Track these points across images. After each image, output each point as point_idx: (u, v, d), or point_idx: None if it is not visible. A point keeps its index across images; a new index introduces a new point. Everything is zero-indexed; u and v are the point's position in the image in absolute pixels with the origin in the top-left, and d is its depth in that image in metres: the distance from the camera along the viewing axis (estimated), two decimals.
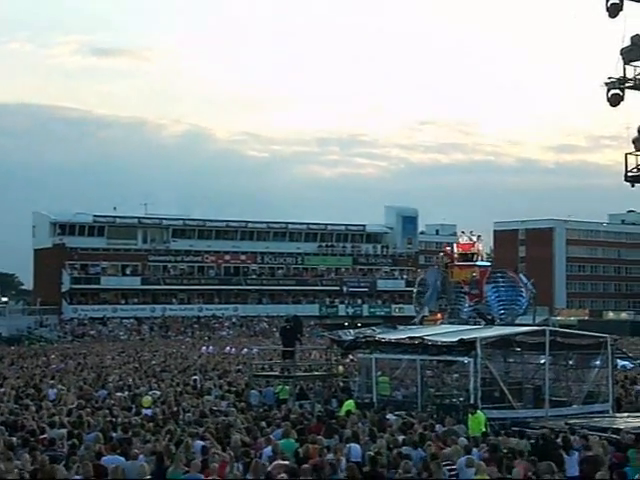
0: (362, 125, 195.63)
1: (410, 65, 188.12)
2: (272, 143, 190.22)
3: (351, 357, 27.16)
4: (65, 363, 39.24)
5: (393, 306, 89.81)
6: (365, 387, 23.14)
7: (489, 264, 50.71)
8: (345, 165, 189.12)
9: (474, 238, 48.91)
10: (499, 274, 46.96)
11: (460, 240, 49.30)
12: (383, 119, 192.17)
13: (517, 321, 44.05)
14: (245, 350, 48.92)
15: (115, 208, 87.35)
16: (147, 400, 20.65)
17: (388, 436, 15.35)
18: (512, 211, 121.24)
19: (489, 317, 43.11)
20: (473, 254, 47.49)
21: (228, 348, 53.13)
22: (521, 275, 49.14)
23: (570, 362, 22.60)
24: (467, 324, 37.52)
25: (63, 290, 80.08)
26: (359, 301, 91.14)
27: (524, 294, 45.52)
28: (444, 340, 21.21)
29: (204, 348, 54.11)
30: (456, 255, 47.53)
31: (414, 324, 38.01)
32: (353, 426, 16.53)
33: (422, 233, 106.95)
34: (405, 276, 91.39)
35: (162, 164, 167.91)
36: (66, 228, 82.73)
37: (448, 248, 50.60)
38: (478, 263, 47.18)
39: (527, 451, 14.38)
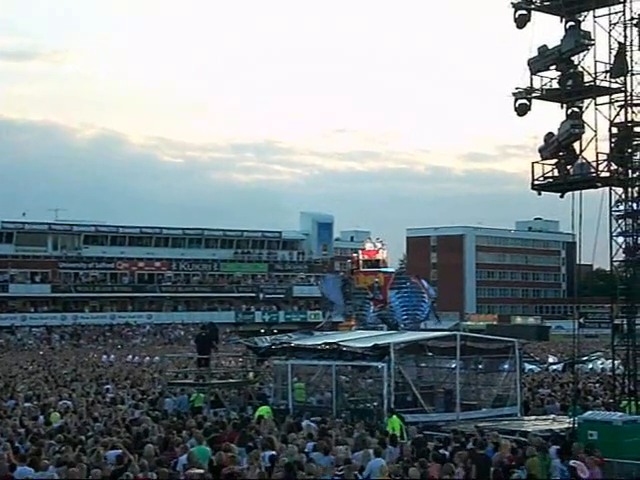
0: (278, 132, 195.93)
1: (326, 73, 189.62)
2: (187, 149, 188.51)
3: (267, 363, 27.16)
4: None
5: (309, 312, 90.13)
6: (281, 393, 23.17)
7: (392, 270, 51.60)
8: (261, 172, 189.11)
9: (379, 245, 49.80)
10: (402, 280, 47.82)
11: (365, 247, 50.13)
12: (299, 126, 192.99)
13: (424, 326, 44.87)
14: (148, 358, 48.48)
15: (24, 214, 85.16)
16: (55, 416, 19.98)
17: (301, 441, 15.41)
18: (424, 218, 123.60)
19: (392, 323, 43.81)
20: (377, 260, 48.29)
21: (130, 357, 52.36)
22: (423, 281, 50.13)
23: (480, 366, 23.10)
24: (374, 329, 38.09)
25: None
26: (275, 307, 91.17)
27: (426, 300, 46.41)
28: (358, 346, 21.43)
29: (104, 357, 52.97)
30: (361, 261, 48.29)
31: (321, 329, 38.34)
32: (269, 432, 16.54)
33: (337, 239, 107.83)
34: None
35: (74, 169, 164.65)
36: None
37: (354, 255, 51.41)
38: (382, 269, 47.99)
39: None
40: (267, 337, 27.67)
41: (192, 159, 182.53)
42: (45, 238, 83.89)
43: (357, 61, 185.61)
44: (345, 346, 21.65)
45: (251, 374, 25.97)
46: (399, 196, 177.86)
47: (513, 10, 21.48)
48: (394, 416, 18.28)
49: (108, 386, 29.02)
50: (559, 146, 21.08)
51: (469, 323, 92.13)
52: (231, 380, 25.35)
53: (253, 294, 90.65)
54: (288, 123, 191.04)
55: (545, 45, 21.40)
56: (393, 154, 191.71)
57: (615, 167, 20.47)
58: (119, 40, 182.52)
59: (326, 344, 22.32)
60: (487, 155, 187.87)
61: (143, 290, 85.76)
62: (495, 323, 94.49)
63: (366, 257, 48.83)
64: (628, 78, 20.27)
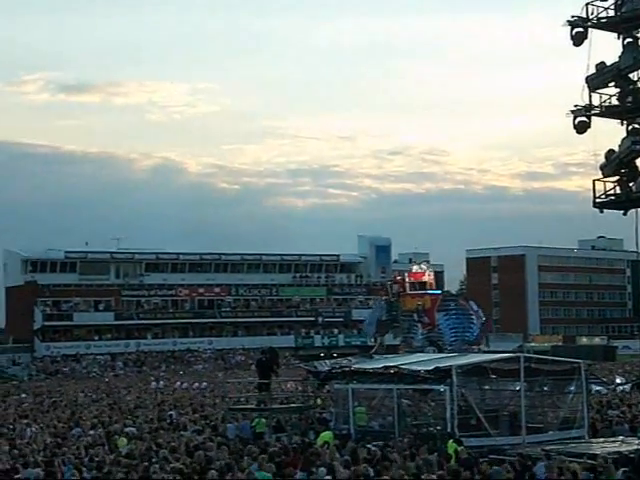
0: (333, 156, 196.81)
1: (380, 96, 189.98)
2: (243, 175, 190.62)
3: (327, 388, 27.09)
4: (39, 402, 38.69)
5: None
6: (342, 418, 23.05)
7: (440, 292, 51.24)
8: (317, 196, 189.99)
9: (424, 267, 49.55)
10: (450, 302, 47.42)
11: (413, 269, 49.92)
12: (353, 149, 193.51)
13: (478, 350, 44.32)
14: (197, 384, 49.31)
15: (87, 243, 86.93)
16: (122, 441, 20.31)
17: (362, 467, 15.30)
18: (483, 239, 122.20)
19: (441, 345, 43.46)
20: (424, 282, 47.99)
21: (178, 383, 53.11)
22: (471, 302, 49.61)
23: (545, 388, 22.67)
24: (422, 352, 37.77)
25: (35, 327, 79.20)
26: (335, 331, 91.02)
27: (475, 321, 45.89)
28: (420, 368, 21.23)
29: (154, 384, 53.55)
30: (407, 284, 48.06)
31: (375, 353, 38.16)
32: (331, 458, 16.47)
33: (395, 262, 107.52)
34: None
35: (134, 198, 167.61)
36: (37, 265, 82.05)
37: (399, 277, 51.16)
38: (429, 292, 47.65)
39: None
40: (327, 361, 27.57)
41: (248, 185, 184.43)
42: (108, 267, 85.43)
43: (409, 82, 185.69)
44: (406, 369, 21.48)
45: (319, 399, 25.92)
46: (457, 217, 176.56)
47: (570, 28, 21.30)
48: (450, 441, 18.10)
49: (171, 412, 29.27)
50: (620, 163, 20.77)
51: (533, 344, 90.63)
52: (292, 405, 25.34)
53: (312, 318, 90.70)
54: (343, 146, 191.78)
55: (603, 62, 21.16)
56: (449, 174, 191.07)
57: None
58: (173, 70, 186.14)
59: (386, 367, 22.15)
60: (546, 174, 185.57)
61: (203, 316, 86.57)
62: (560, 344, 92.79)
63: (412, 279, 48.53)
64: None
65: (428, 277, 48.76)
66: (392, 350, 45.76)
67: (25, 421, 27.23)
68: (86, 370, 75.02)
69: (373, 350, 45.42)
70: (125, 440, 20.58)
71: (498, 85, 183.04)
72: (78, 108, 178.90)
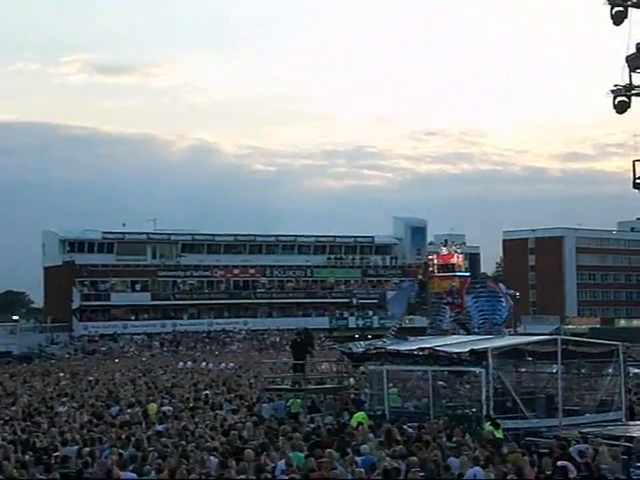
0: (369, 137, 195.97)
1: (415, 76, 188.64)
2: (279, 156, 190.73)
3: (362, 369, 27.09)
4: (76, 380, 39.26)
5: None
6: (376, 399, 23.06)
7: (468, 274, 50.85)
8: (352, 177, 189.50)
9: (453, 248, 49.21)
10: (479, 284, 47.04)
11: (442, 251, 49.60)
12: (389, 130, 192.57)
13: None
14: (223, 365, 49.54)
15: (124, 224, 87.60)
16: (153, 408, 20.50)
17: (400, 447, 15.29)
18: (520, 220, 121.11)
19: (470, 327, 43.21)
20: (452, 264, 47.66)
21: (204, 363, 53.37)
22: (501, 285, 49.11)
23: (582, 371, 22.49)
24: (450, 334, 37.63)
25: (73, 307, 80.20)
26: (369, 313, 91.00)
27: (504, 304, 45.48)
28: (455, 351, 21.14)
29: (181, 364, 53.92)
30: (436, 266, 47.79)
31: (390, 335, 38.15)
32: (364, 438, 16.49)
33: (431, 244, 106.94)
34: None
35: (170, 180, 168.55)
36: (75, 245, 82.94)
37: (430, 257, 50.80)
38: (458, 274, 47.32)
39: None
40: (361, 342, 27.59)
41: (284, 166, 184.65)
42: (144, 248, 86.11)
43: (446, 62, 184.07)
44: (441, 351, 21.40)
45: (352, 380, 25.95)
46: (494, 198, 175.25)
47: (609, 7, 20.94)
48: (488, 422, 18.00)
49: (207, 392, 29.50)
50: None
51: (570, 326, 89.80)
52: (327, 386, 25.40)
53: (346, 299, 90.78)
54: (378, 127, 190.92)
55: None
56: (486, 155, 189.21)
57: None
58: (210, 52, 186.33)
59: (421, 349, 22.10)
60: (585, 154, 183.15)
61: (238, 297, 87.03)
62: (598, 326, 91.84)
63: (441, 262, 48.23)
64: None
65: (457, 259, 48.40)
66: (415, 332, 45.61)
67: (63, 399, 27.64)
68: (123, 350, 75.92)
69: (391, 330, 45.43)
70: (155, 406, 20.71)
71: (536, 65, 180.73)
72: (115, 89, 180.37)
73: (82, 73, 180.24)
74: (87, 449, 15.31)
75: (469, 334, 38.07)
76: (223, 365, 50.50)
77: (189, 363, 54.43)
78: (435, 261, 48.58)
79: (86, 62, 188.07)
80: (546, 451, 15.44)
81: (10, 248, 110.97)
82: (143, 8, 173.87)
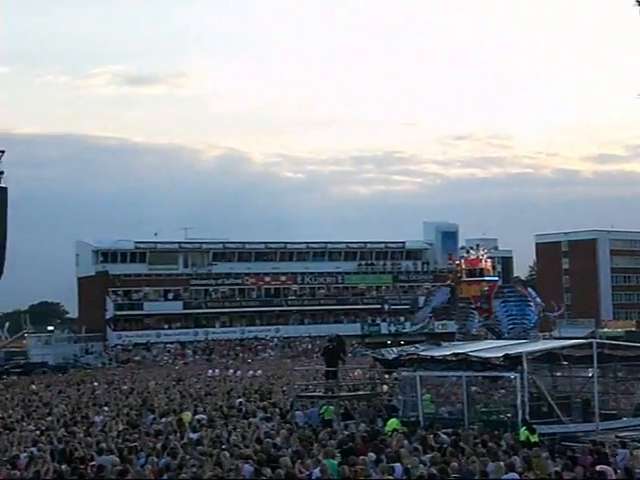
0: (397, 142, 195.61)
1: (444, 80, 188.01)
2: (307, 164, 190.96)
3: (395, 375, 26.97)
4: (111, 389, 39.54)
5: (436, 322, 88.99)
6: (410, 405, 22.94)
7: (497, 279, 50.40)
8: (381, 182, 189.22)
9: (481, 253, 48.78)
10: (507, 289, 46.61)
11: (468, 256, 49.19)
12: (418, 135, 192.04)
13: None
14: (251, 372, 49.61)
15: (156, 234, 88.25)
16: (187, 416, 20.58)
17: (436, 454, 15.18)
18: (553, 223, 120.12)
19: (499, 332, 42.86)
20: (481, 269, 47.23)
21: (231, 371, 53.47)
22: (530, 289, 48.64)
23: (619, 374, 22.21)
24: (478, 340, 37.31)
25: (107, 317, 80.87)
26: (401, 319, 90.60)
27: (533, 308, 45.00)
28: (489, 356, 20.97)
29: (210, 371, 54.04)
30: (464, 271, 47.36)
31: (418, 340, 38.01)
32: (398, 445, 16.39)
33: (462, 248, 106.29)
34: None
35: (200, 189, 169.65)
36: (108, 255, 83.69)
37: (457, 262, 50.33)
38: (486, 278, 46.91)
39: None
40: (394, 348, 27.46)
41: (313, 173, 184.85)
42: (176, 256, 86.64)
43: (474, 66, 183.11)
44: (475, 356, 21.23)
45: (385, 386, 25.83)
46: (525, 201, 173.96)
47: (639, 9, 20.68)
48: (524, 427, 17.84)
49: (240, 399, 29.54)
50: None
51: (606, 330, 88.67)
52: (360, 392, 25.31)
53: (378, 305, 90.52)
54: (407, 132, 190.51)
55: None
56: (516, 159, 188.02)
57: None
58: (236, 60, 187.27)
59: (455, 355, 21.95)
60: (617, 156, 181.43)
61: (270, 304, 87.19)
62: (634, 329, 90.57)
63: (469, 266, 47.75)
64: None
65: (485, 263, 48.03)
66: (447, 338, 45.14)
67: (98, 409, 27.82)
68: (156, 358, 76.32)
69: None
70: (189, 414, 20.76)
71: (566, 67, 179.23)
72: (143, 100, 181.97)
73: (111, 84, 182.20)
74: (120, 458, 15.38)
75: (499, 339, 37.77)
76: (251, 373, 50.48)
77: (217, 371, 54.57)
78: (463, 266, 48.24)
79: (115, 74, 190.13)
80: (582, 456, 15.25)
81: (44, 259, 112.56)
82: (168, 20, 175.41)
